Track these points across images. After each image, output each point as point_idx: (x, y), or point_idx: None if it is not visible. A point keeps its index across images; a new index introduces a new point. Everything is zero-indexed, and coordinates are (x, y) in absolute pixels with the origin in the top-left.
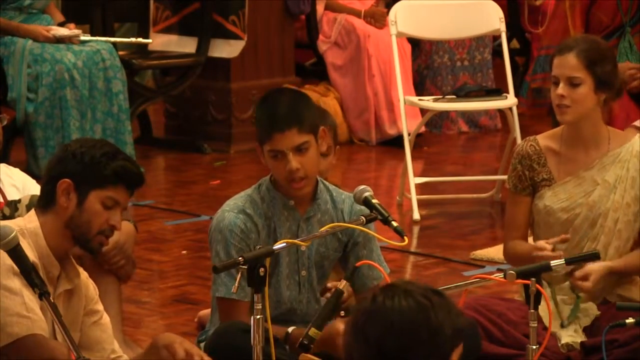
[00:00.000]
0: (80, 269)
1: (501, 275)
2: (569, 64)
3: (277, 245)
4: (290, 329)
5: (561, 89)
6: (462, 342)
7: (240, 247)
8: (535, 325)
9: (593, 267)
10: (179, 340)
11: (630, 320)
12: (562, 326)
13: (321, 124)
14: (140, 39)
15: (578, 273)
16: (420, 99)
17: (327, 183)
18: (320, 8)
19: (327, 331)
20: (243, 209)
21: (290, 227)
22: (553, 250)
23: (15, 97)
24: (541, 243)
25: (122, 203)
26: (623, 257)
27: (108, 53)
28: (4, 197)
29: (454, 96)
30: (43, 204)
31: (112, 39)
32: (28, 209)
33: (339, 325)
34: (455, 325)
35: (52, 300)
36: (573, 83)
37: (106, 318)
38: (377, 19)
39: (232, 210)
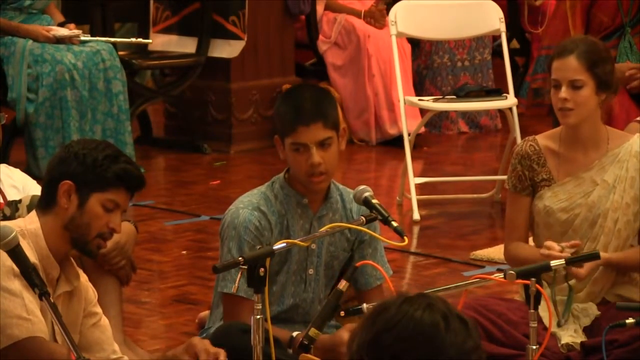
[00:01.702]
0: (80, 271)
1: (501, 275)
2: (570, 67)
3: (277, 246)
4: (294, 334)
5: (564, 92)
6: None
7: (253, 245)
8: (535, 325)
9: None
10: (197, 339)
11: (630, 320)
12: (559, 325)
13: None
14: (140, 39)
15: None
16: (420, 99)
17: (336, 182)
18: (320, 8)
19: (331, 340)
20: (258, 206)
21: (303, 225)
22: (562, 252)
23: (16, 98)
24: (551, 243)
25: (123, 206)
26: (623, 252)
27: (108, 53)
28: (4, 197)
29: (454, 96)
30: (44, 204)
31: (112, 39)
32: (29, 209)
33: (344, 334)
34: (463, 356)
35: (53, 302)
36: (575, 86)
37: (105, 320)
38: (377, 19)
39: (247, 207)
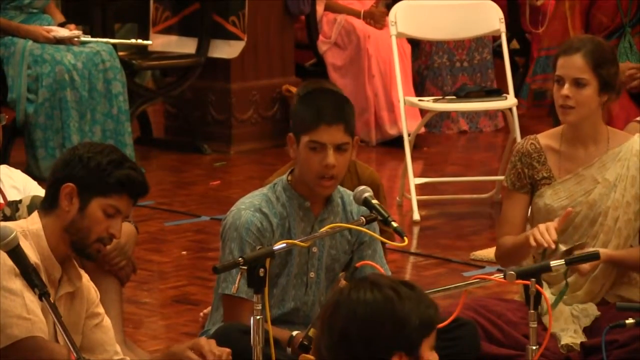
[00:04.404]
0: (82, 272)
1: (501, 275)
2: (575, 65)
3: (277, 246)
4: (294, 333)
5: (566, 89)
6: (433, 333)
7: (254, 246)
8: (535, 325)
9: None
10: (204, 339)
11: (630, 320)
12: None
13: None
14: (140, 41)
15: (577, 254)
16: (420, 100)
17: (338, 186)
18: (320, 8)
19: None
20: (260, 207)
21: (304, 228)
22: (556, 245)
23: (15, 98)
24: (550, 226)
25: (124, 212)
26: (625, 250)
27: (108, 54)
28: (4, 198)
29: (454, 97)
30: (46, 205)
31: (112, 41)
32: (29, 209)
33: None
34: (423, 316)
35: (53, 302)
36: (579, 84)
37: (107, 320)
38: (377, 19)
39: (248, 208)
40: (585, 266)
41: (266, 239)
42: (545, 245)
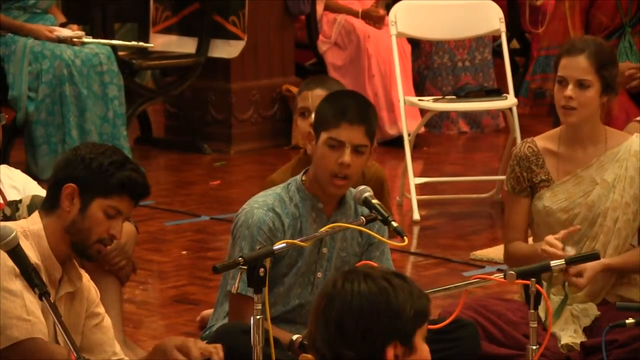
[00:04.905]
0: (82, 272)
1: (501, 275)
2: (579, 66)
3: (277, 246)
4: (294, 337)
5: (570, 90)
6: (425, 323)
7: (265, 246)
8: (535, 325)
9: (588, 263)
10: (192, 341)
11: (630, 320)
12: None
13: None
14: (141, 43)
15: (572, 269)
16: (420, 100)
17: (352, 188)
18: (320, 8)
19: None
20: (272, 207)
21: (316, 229)
22: (563, 249)
23: (16, 96)
24: (553, 240)
25: (125, 213)
26: (621, 255)
27: (106, 57)
28: (4, 198)
29: (453, 96)
30: (47, 206)
31: (114, 42)
32: (29, 209)
33: None
34: (417, 307)
35: (53, 302)
36: (582, 85)
37: (107, 320)
38: (375, 20)
39: (261, 207)
40: (582, 280)
41: (277, 239)
42: (564, 266)
